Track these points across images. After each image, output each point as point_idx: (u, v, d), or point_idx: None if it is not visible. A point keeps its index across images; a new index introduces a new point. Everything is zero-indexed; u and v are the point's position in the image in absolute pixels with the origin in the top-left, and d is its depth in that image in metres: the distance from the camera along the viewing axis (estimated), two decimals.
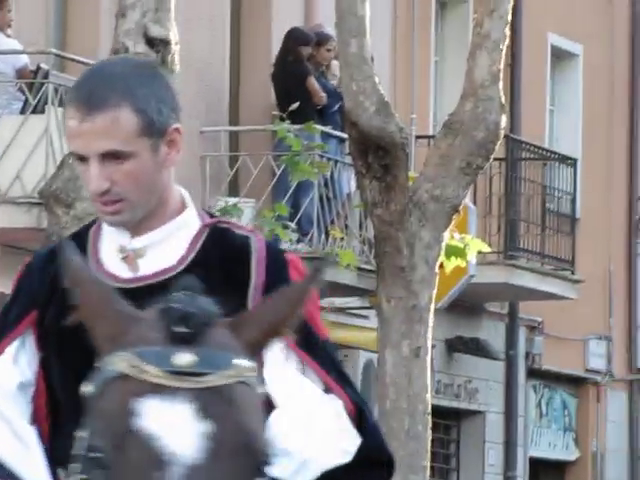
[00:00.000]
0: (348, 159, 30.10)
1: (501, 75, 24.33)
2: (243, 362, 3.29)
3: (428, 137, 29.45)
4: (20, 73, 34.12)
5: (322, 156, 32.33)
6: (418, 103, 33.99)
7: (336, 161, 32.35)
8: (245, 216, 30.10)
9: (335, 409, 4.00)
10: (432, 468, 27.08)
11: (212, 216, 4.43)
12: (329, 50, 30.75)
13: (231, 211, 30.06)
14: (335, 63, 31.28)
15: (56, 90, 32.42)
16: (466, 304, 33.19)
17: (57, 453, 4.13)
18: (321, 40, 32.12)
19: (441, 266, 24.99)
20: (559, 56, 38.88)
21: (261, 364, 3.66)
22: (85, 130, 3.91)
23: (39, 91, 33.44)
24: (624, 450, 34.58)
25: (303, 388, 4.03)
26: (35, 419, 4.26)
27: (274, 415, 3.93)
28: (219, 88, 32.31)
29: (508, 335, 35.96)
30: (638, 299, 40.95)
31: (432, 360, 25.06)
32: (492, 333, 35.73)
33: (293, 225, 31.55)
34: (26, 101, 33.75)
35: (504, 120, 23.64)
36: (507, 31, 24.67)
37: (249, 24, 33.78)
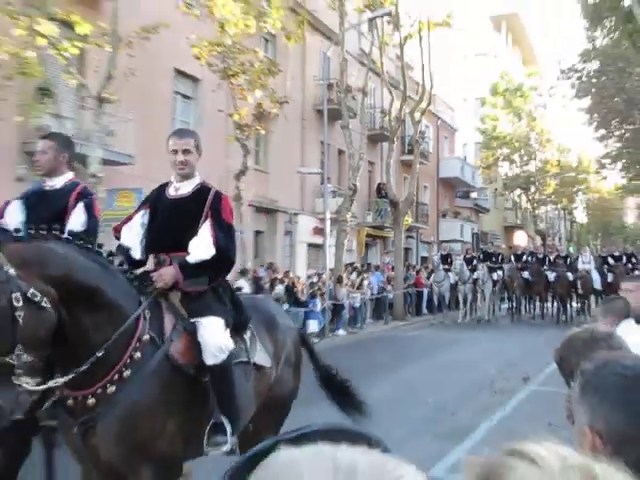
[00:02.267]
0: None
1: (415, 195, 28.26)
2: None
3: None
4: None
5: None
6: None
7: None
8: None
9: (207, 242, 4.72)
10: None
11: (204, 182, 5.03)
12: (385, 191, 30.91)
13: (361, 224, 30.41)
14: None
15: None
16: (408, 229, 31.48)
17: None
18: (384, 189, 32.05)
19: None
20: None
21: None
22: (179, 143, 4.78)
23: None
24: None
25: (203, 235, 4.74)
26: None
27: (191, 243, 4.78)
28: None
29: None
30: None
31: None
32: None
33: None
34: None
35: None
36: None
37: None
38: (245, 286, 18.86)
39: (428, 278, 29.77)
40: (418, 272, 30.90)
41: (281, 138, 27.15)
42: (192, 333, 4.56)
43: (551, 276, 27.06)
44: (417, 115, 29.36)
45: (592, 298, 27.02)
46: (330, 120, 25.88)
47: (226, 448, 4.66)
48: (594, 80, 33.56)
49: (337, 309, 23.09)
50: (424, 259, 36.73)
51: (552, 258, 28.31)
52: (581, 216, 71.09)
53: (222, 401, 4.62)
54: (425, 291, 29.74)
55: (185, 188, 5.00)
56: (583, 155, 55.45)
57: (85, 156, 14.98)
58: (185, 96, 23.60)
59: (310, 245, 29.29)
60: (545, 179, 49.50)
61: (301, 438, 0.73)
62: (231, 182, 21.27)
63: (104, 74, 15.11)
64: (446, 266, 27.99)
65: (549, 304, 28.57)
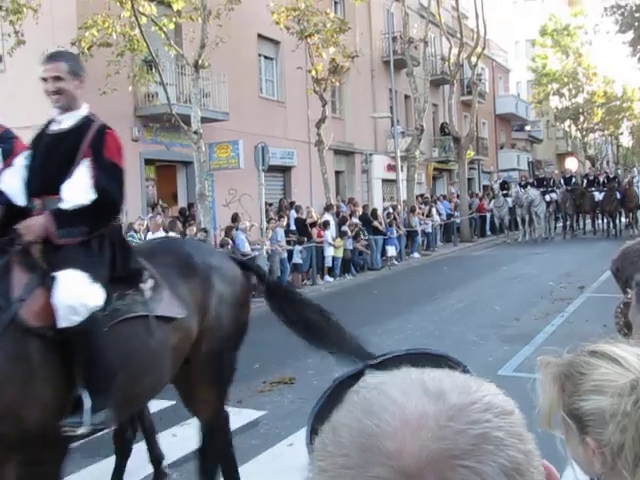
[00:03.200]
0: None
1: None
2: None
3: None
4: None
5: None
6: None
7: None
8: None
9: (85, 185, 3.53)
10: None
11: (91, 114, 3.79)
12: None
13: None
14: None
15: None
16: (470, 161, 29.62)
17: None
18: None
19: None
20: None
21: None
22: (47, 69, 3.58)
23: None
24: None
25: (81, 177, 3.53)
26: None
27: (64, 186, 3.58)
28: None
29: None
30: None
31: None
32: None
33: None
34: None
35: None
36: None
37: None
38: (330, 219, 19.03)
39: (489, 204, 29.08)
40: (481, 199, 30.50)
41: (354, 88, 26.90)
42: (51, 289, 3.34)
43: (599, 195, 26.15)
44: (473, 59, 28.75)
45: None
46: (396, 69, 25.79)
47: (83, 430, 3.37)
48: (637, 14, 32.06)
49: (411, 235, 23.20)
50: (486, 187, 35.30)
51: (602, 179, 27.36)
52: (627, 140, 68.28)
53: (84, 372, 3.36)
54: (488, 215, 29.17)
55: (67, 122, 3.77)
56: (627, 84, 52.90)
57: (187, 116, 15.15)
58: (268, 57, 23.33)
59: (384, 180, 28.96)
60: (592, 109, 47.64)
61: (385, 363, 0.70)
62: (312, 130, 21.54)
63: (198, 43, 15.07)
64: (504, 192, 27.57)
65: (599, 221, 27.55)
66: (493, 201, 28.41)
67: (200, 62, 15.17)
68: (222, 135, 18.38)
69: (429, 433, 0.56)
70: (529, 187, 27.11)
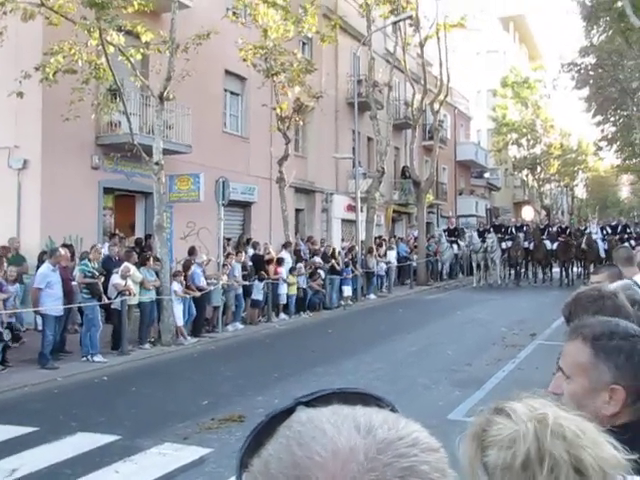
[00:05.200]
0: None
1: None
2: None
3: None
4: None
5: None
6: None
7: None
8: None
9: None
10: None
11: None
12: None
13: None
14: None
15: None
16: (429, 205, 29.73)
17: None
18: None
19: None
20: None
21: None
22: None
23: None
24: None
25: None
26: None
27: None
28: None
29: None
30: None
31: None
32: None
33: None
34: None
35: None
36: None
37: None
38: (287, 257, 19.14)
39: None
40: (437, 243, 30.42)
41: (317, 128, 27.25)
42: None
43: (553, 245, 26.61)
44: (436, 106, 29.46)
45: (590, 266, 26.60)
46: (360, 111, 26.14)
47: None
48: (591, 72, 33.17)
49: (368, 276, 23.37)
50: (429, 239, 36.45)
51: (554, 229, 27.81)
52: (581, 192, 70.12)
53: None
54: None
55: None
56: (582, 138, 54.92)
57: (149, 147, 15.11)
58: (233, 93, 23.47)
59: (344, 220, 29.30)
60: (549, 160, 49.18)
61: (317, 400, 0.71)
62: (274, 167, 21.70)
63: (164, 75, 14.98)
64: (452, 238, 28.10)
65: (554, 269, 28.03)
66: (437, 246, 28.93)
67: (165, 94, 15.17)
68: (184, 168, 18.43)
69: (359, 465, 0.58)
70: (487, 233, 27.46)
